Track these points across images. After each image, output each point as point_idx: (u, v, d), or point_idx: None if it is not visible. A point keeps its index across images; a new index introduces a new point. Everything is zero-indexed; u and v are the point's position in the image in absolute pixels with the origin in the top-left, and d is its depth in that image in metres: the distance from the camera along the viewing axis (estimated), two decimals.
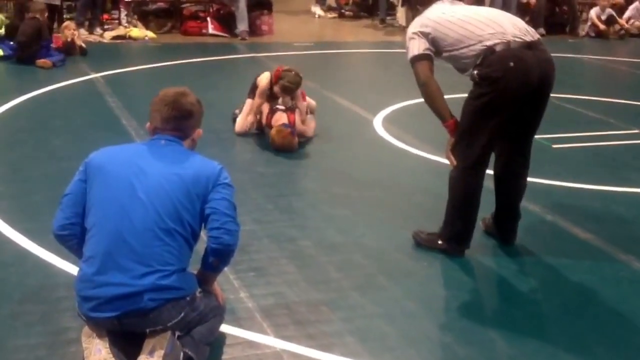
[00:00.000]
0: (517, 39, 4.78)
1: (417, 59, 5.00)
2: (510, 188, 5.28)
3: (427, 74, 4.99)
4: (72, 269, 4.48)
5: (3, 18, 12.72)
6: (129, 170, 3.60)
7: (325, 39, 15.58)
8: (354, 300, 4.54)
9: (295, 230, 5.54)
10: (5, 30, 11.90)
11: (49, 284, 4.55)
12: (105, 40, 13.73)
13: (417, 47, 4.98)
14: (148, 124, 3.83)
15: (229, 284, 4.62)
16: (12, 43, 11.33)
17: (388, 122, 8.56)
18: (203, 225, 3.68)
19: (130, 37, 13.99)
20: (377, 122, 8.51)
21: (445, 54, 4.99)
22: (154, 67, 10.96)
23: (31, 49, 10.97)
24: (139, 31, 14.30)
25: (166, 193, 3.56)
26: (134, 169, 3.60)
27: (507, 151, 5.16)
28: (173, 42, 14.36)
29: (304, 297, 4.55)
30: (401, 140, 7.83)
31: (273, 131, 7.36)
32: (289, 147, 7.29)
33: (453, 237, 5.16)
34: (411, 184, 6.65)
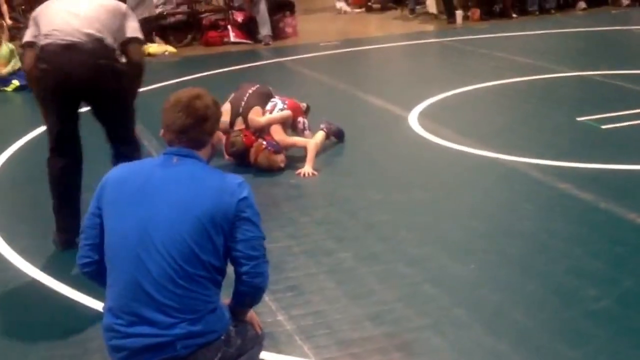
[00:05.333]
0: (59, 41, 5.05)
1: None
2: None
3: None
4: (100, 306, 4.26)
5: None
6: (141, 209, 3.31)
7: (353, 35, 15.26)
8: (399, 313, 4.31)
9: (333, 243, 5.30)
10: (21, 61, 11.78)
11: (77, 324, 4.40)
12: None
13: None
14: (162, 132, 3.49)
15: (265, 306, 4.39)
16: None
17: (424, 117, 8.26)
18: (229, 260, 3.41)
19: (149, 54, 13.68)
20: (413, 119, 8.22)
21: None
22: (175, 82, 10.69)
23: None
24: (157, 47, 14.11)
25: (181, 237, 3.25)
26: (146, 206, 3.31)
27: (109, 140, 5.42)
28: (194, 54, 14.20)
29: (345, 314, 4.33)
30: (439, 136, 7.52)
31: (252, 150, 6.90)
32: (270, 166, 6.85)
33: (57, 227, 5.36)
34: (453, 182, 6.37)
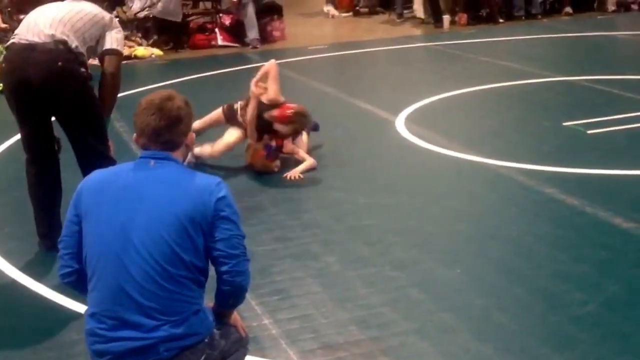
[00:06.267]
0: (22, 41, 5.03)
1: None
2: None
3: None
4: (84, 309, 4.24)
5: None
6: (120, 212, 3.28)
7: (341, 39, 15.25)
8: (385, 317, 4.29)
9: (319, 246, 5.28)
10: None
11: (60, 328, 4.37)
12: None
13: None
14: (135, 136, 3.46)
15: (250, 310, 4.38)
16: None
17: (411, 121, 8.25)
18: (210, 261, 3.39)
19: (135, 57, 13.65)
20: (400, 123, 8.20)
21: None
22: (162, 85, 10.58)
23: None
24: (144, 50, 14.03)
25: (162, 238, 3.24)
26: (125, 209, 3.29)
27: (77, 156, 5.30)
28: (182, 57, 14.09)
29: (331, 318, 4.31)
30: (426, 140, 7.50)
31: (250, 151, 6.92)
32: (264, 170, 6.85)
33: (38, 232, 5.36)
34: (439, 186, 6.38)
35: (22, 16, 5.37)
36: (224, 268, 3.32)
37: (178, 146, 3.44)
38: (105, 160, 4.99)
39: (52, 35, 5.00)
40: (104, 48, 5.21)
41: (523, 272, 4.74)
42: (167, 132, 3.37)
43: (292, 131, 6.82)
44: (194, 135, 3.59)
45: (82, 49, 5.11)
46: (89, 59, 5.23)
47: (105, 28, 5.22)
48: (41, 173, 5.30)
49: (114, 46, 5.23)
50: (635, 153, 6.75)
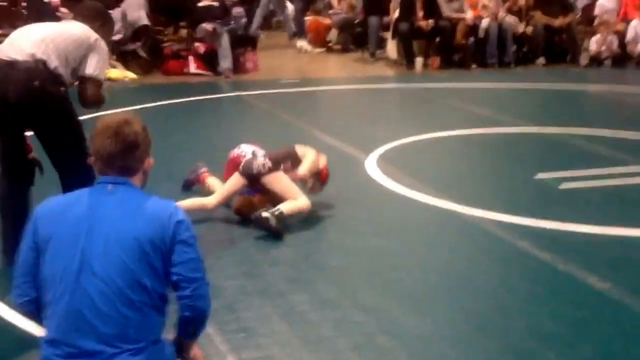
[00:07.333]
0: (3, 57, 4.98)
1: None
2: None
3: None
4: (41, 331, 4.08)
5: None
6: (79, 237, 3.20)
7: (313, 74, 15.21)
8: None
9: (287, 284, 5.14)
10: None
11: (16, 351, 4.25)
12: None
13: None
14: (92, 159, 3.38)
15: (214, 347, 4.24)
16: None
17: (381, 161, 8.16)
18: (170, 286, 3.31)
19: (109, 79, 13.47)
20: (370, 163, 8.12)
21: None
22: (134, 109, 10.47)
23: None
24: (118, 72, 13.88)
25: (122, 262, 3.16)
26: (84, 234, 3.20)
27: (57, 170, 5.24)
28: (154, 82, 14.00)
29: None
30: (396, 182, 7.40)
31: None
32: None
33: (3, 248, 5.30)
34: (408, 231, 6.28)
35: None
36: (185, 292, 3.25)
37: (135, 172, 3.38)
38: (86, 177, 4.71)
39: (33, 55, 4.94)
40: (83, 73, 5.13)
41: (495, 325, 4.62)
42: (122, 157, 3.31)
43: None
44: (152, 161, 3.49)
45: (63, 70, 5.02)
46: (74, 81, 5.18)
47: (89, 49, 5.13)
48: (13, 185, 5.24)
49: (92, 72, 5.14)
50: (609, 211, 6.64)
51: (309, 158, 6.47)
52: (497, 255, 5.66)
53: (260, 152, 6.47)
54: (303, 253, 5.72)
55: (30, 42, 5.01)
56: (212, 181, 6.83)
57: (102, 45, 5.25)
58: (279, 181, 6.30)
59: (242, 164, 6.35)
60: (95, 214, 3.24)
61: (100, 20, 5.38)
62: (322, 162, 6.69)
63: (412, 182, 7.38)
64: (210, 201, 6.38)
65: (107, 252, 3.16)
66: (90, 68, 5.14)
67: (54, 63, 4.97)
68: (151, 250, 3.19)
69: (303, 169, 6.37)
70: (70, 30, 5.17)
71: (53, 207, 3.35)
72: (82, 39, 5.13)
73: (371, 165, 8.04)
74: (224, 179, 6.61)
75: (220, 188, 6.50)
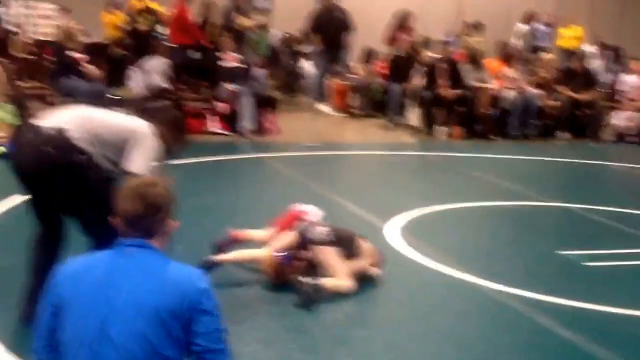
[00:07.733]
0: (36, 122, 4.98)
1: None
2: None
3: None
4: None
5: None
6: (99, 304, 3.14)
7: (334, 139, 15.16)
8: None
9: (301, 353, 5.01)
10: None
11: None
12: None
13: None
14: (115, 219, 3.34)
15: None
16: None
17: (401, 230, 8.06)
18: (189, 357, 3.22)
19: None
20: (389, 231, 8.01)
21: None
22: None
23: None
24: None
25: (141, 334, 3.08)
26: (103, 302, 3.14)
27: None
28: None
29: None
30: (417, 251, 7.28)
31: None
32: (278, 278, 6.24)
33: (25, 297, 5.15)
34: (428, 303, 6.13)
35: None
36: None
37: (157, 234, 3.33)
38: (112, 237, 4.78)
39: (57, 125, 4.88)
40: (125, 167, 4.97)
41: None
42: (146, 219, 3.28)
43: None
44: (177, 224, 3.44)
45: (89, 147, 4.90)
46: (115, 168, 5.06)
47: (133, 143, 4.99)
48: (42, 240, 5.20)
49: (131, 168, 4.94)
50: (633, 291, 6.53)
51: (359, 264, 6.36)
52: (517, 332, 5.53)
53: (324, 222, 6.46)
54: (320, 322, 5.59)
55: (65, 114, 4.99)
56: (251, 233, 6.78)
57: (150, 142, 5.06)
58: (331, 256, 6.17)
59: (304, 224, 6.31)
60: (114, 279, 3.19)
61: (168, 126, 5.29)
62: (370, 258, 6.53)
63: (433, 252, 7.28)
64: (262, 253, 6.29)
65: (125, 321, 3.09)
66: (131, 163, 4.96)
67: (76, 134, 4.85)
68: (171, 319, 3.11)
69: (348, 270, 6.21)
70: (115, 118, 5.12)
71: (73, 270, 3.30)
72: (124, 127, 5.04)
73: (390, 233, 7.93)
74: (275, 227, 6.58)
75: (274, 241, 6.39)
